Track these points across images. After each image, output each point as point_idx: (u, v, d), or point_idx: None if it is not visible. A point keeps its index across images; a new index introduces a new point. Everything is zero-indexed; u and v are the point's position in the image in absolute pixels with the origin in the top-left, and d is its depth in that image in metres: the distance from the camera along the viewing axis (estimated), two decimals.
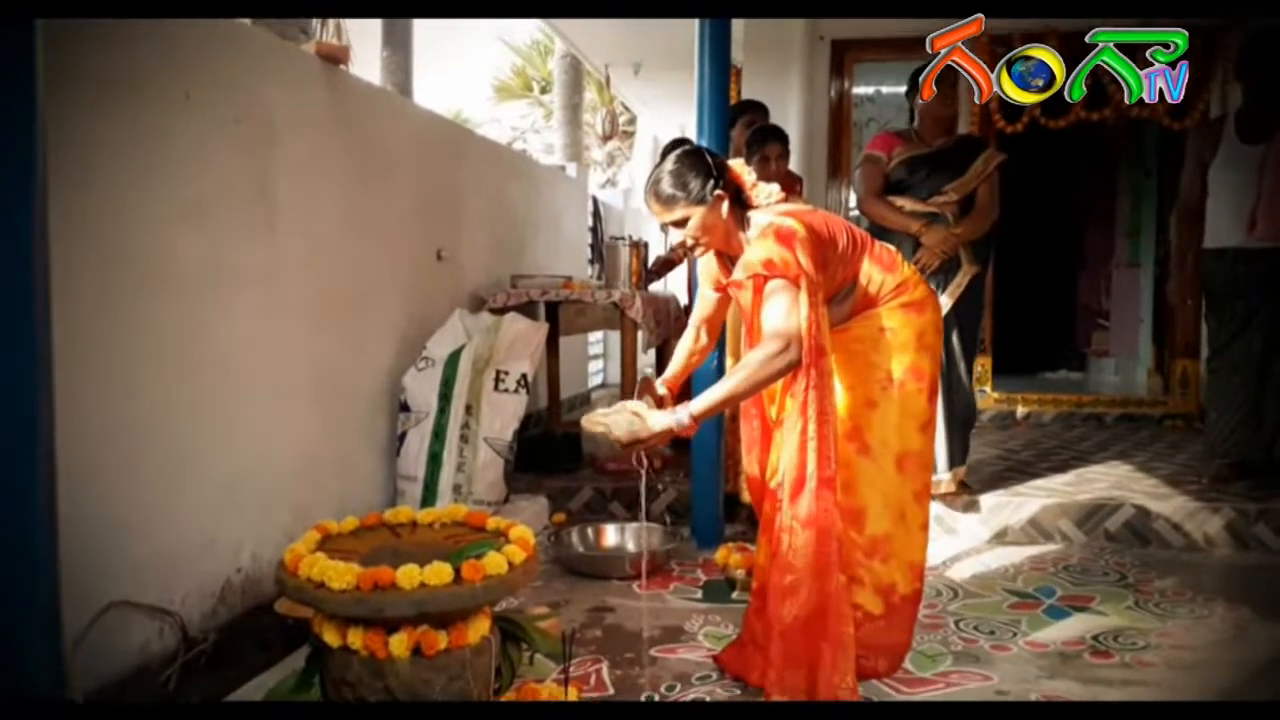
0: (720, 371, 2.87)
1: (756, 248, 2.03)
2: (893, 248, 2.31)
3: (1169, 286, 4.08)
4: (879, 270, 2.21)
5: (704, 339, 2.35)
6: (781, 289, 1.97)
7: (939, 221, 3.41)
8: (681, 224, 2.09)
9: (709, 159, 2.10)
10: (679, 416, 1.98)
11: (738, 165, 2.17)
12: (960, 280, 3.42)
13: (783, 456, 2.03)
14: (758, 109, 4.13)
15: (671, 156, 2.11)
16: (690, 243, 2.13)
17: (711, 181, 2.06)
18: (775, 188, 2.18)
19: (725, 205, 2.09)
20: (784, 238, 2.00)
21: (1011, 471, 3.90)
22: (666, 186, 2.07)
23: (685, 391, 2.33)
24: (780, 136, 3.73)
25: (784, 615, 1.97)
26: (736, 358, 2.30)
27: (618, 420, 1.97)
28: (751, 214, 2.14)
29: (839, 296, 2.18)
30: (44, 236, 1.48)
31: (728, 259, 2.21)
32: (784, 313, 1.95)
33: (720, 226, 2.10)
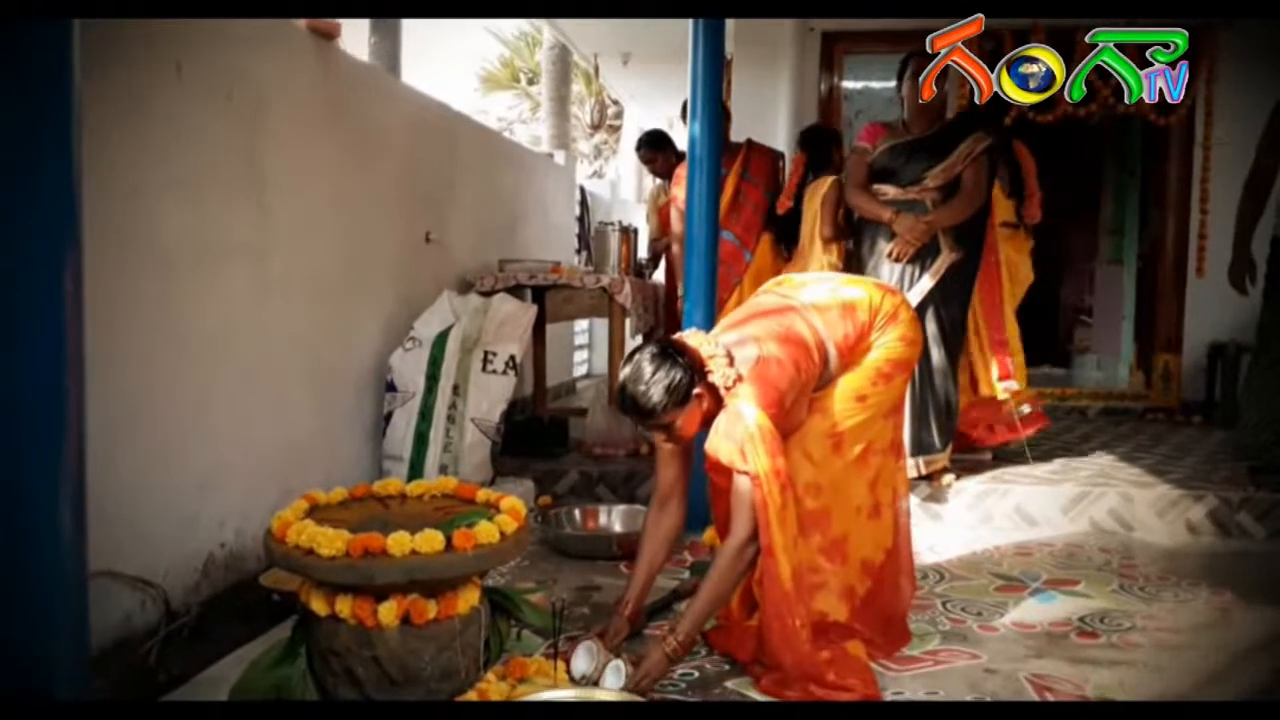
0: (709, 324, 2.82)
1: (724, 439, 1.97)
2: (855, 293, 2.23)
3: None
4: (849, 327, 2.16)
5: (672, 514, 2.18)
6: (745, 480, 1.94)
7: (916, 209, 3.40)
8: (668, 426, 2.00)
9: (678, 357, 1.97)
10: (667, 651, 1.93)
11: (694, 341, 2.05)
12: (939, 265, 3.39)
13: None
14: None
15: (644, 364, 1.96)
16: (666, 435, 2.04)
17: (691, 378, 1.96)
18: (727, 367, 2.00)
19: (705, 398, 2.01)
20: (750, 439, 1.92)
21: (996, 460, 3.91)
22: (654, 398, 1.94)
23: None
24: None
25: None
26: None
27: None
28: (717, 386, 2.01)
29: (825, 376, 2.16)
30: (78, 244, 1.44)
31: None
32: (747, 506, 1.93)
33: (699, 413, 2.02)
